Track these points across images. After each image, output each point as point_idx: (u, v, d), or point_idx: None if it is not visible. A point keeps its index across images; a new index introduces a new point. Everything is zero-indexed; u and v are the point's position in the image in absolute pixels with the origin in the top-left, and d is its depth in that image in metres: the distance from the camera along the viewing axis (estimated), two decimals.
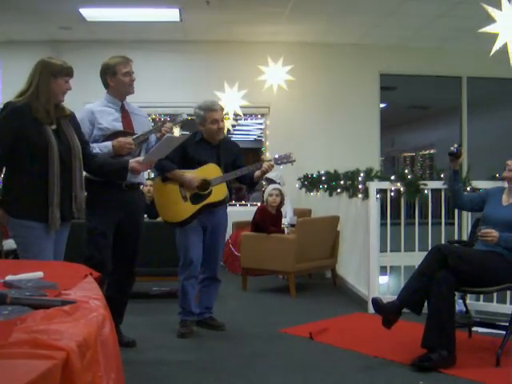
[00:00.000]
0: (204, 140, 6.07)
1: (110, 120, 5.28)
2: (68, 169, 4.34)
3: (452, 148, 5.53)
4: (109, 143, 5.09)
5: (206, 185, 5.86)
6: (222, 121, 6.08)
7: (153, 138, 5.43)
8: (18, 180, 4.29)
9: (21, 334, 1.70)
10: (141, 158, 4.86)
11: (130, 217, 5.35)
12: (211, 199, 5.89)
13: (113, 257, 5.30)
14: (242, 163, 6.12)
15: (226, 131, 11.19)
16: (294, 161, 6.09)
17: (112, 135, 5.19)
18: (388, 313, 5.16)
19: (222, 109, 6.16)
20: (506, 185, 5.61)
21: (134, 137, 5.23)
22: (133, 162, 4.79)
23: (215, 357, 5.40)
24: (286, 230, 8.86)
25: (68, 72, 4.42)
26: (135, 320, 6.18)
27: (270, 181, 10.31)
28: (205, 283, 6.28)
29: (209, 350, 5.63)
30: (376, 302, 5.20)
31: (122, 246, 5.36)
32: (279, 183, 10.10)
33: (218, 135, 6.06)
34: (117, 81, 5.34)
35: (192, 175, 5.82)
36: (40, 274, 2.63)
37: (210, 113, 6.02)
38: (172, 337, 5.97)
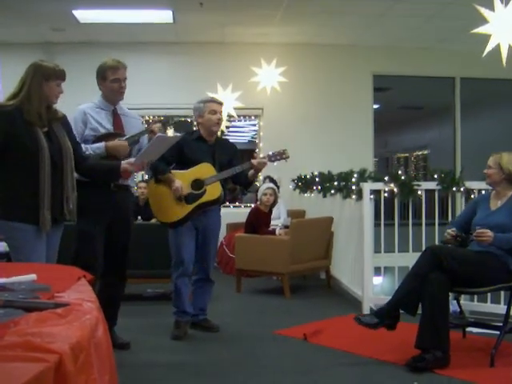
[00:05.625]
0: (200, 139, 6.07)
1: (102, 121, 5.26)
2: (59, 171, 4.33)
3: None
4: (101, 144, 5.06)
5: (199, 184, 5.85)
6: (221, 114, 6.10)
7: (145, 140, 5.39)
8: (9, 182, 4.28)
9: (14, 337, 1.70)
10: (132, 160, 4.83)
11: (120, 219, 5.33)
12: (206, 198, 5.88)
13: (103, 259, 5.28)
14: (238, 163, 6.07)
15: (219, 132, 11.30)
16: (288, 157, 6.05)
17: (103, 136, 5.17)
18: (371, 326, 5.18)
19: (222, 104, 6.17)
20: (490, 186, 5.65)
21: (125, 138, 5.20)
22: (124, 163, 4.76)
23: (209, 359, 5.40)
24: (277, 231, 8.84)
25: (60, 75, 4.42)
26: (129, 322, 6.17)
27: (271, 180, 10.33)
28: (198, 284, 6.27)
29: (203, 351, 5.62)
30: (360, 321, 5.24)
31: (113, 248, 5.33)
32: (278, 185, 10.12)
33: (216, 127, 6.07)
34: (105, 86, 5.32)
35: (180, 184, 5.81)
36: (33, 276, 2.61)
37: (209, 103, 6.08)
38: (166, 339, 5.96)
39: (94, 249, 5.19)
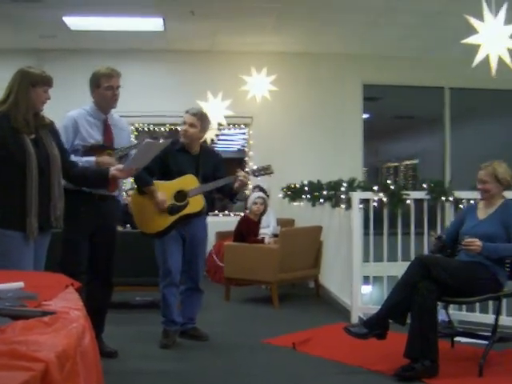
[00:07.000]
0: (184, 149, 6.07)
1: (92, 132, 5.26)
2: (46, 178, 4.32)
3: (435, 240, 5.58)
4: (91, 159, 5.06)
5: (183, 196, 5.85)
6: (191, 126, 6.02)
7: (133, 153, 5.38)
8: None
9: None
10: (121, 166, 4.83)
11: (105, 227, 5.35)
12: (188, 210, 5.87)
13: (89, 267, 5.28)
14: (223, 174, 6.09)
15: (209, 141, 11.30)
16: (272, 173, 6.11)
17: (91, 148, 5.16)
18: (361, 336, 5.20)
19: (196, 116, 6.09)
20: (479, 196, 5.64)
21: (115, 152, 5.20)
22: (113, 169, 4.76)
23: (197, 367, 5.39)
24: (266, 239, 8.84)
25: (47, 81, 4.41)
26: (117, 330, 6.15)
27: (260, 189, 10.33)
28: (187, 294, 6.25)
29: (191, 360, 5.61)
30: (349, 332, 5.26)
31: (98, 255, 5.35)
32: (267, 194, 10.13)
33: (182, 138, 6.05)
34: (99, 94, 5.32)
35: (163, 198, 5.79)
36: (20, 284, 2.60)
37: (184, 114, 6.10)
38: (154, 347, 5.94)
39: (80, 257, 5.20)
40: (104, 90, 5.27)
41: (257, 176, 6.18)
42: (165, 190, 5.84)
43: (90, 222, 5.23)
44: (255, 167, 6.20)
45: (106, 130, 5.37)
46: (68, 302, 2.44)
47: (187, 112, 6.10)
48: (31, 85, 4.31)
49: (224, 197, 6.76)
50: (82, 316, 2.19)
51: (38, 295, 2.44)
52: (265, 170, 6.09)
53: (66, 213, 4.59)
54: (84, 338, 2.03)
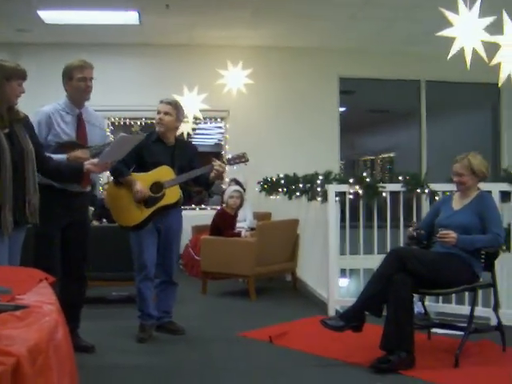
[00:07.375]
0: (159, 140, 6.05)
1: (65, 128, 5.21)
2: (21, 173, 4.28)
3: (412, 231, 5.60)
4: (63, 156, 4.99)
5: (159, 187, 5.84)
6: (166, 114, 6.01)
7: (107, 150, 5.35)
8: None
9: None
10: (95, 160, 4.81)
11: (77, 221, 5.32)
12: (164, 202, 5.86)
13: (62, 262, 5.26)
14: (198, 166, 6.07)
15: (185, 135, 11.27)
16: (247, 160, 6.09)
17: (64, 145, 5.11)
18: (337, 329, 5.22)
19: (171, 105, 6.07)
20: (455, 188, 5.67)
21: (89, 149, 5.16)
22: (88, 164, 4.73)
23: (173, 361, 5.37)
24: (243, 233, 8.84)
25: (21, 75, 4.36)
26: (94, 325, 6.12)
27: (237, 182, 10.32)
28: (161, 287, 6.24)
29: (167, 354, 5.60)
30: (326, 325, 5.28)
31: (70, 250, 5.32)
32: (244, 187, 10.12)
33: (157, 127, 6.04)
34: (72, 86, 5.27)
35: (142, 186, 5.77)
36: None
37: (159, 104, 6.09)
38: (130, 342, 5.91)
39: (53, 250, 5.17)
40: (77, 81, 5.23)
41: (232, 164, 6.17)
42: (140, 182, 5.81)
43: (63, 216, 5.20)
44: (230, 156, 6.18)
45: (80, 126, 5.31)
46: (41, 296, 2.43)
47: (161, 102, 6.09)
48: (5, 78, 4.27)
49: (200, 187, 6.75)
50: (55, 310, 2.18)
51: (11, 289, 2.43)
52: (240, 159, 6.07)
53: (39, 208, 4.56)
54: (57, 332, 2.02)
